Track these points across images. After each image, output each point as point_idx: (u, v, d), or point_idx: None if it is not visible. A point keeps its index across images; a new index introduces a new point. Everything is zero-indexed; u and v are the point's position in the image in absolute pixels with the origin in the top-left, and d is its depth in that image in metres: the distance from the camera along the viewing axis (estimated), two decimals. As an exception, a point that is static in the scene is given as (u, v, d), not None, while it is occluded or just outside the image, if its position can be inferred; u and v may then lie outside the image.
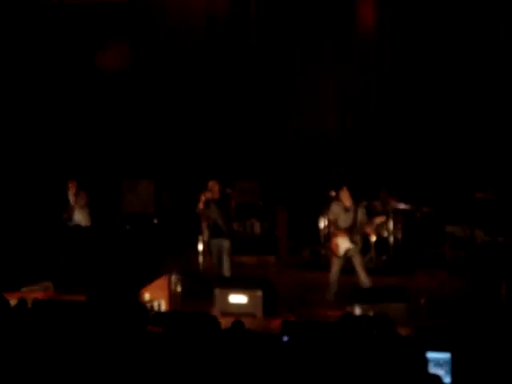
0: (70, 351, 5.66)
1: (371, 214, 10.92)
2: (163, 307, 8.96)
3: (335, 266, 9.74)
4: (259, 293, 8.88)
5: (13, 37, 12.74)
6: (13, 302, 6.94)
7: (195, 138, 14.78)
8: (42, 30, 12.94)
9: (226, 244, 10.02)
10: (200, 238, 10.05)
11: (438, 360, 5.66)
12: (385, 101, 13.76)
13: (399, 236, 12.15)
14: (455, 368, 5.68)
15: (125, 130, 14.45)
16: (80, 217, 11.79)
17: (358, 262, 9.59)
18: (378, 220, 9.75)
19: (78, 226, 11.78)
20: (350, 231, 9.57)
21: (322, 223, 12.52)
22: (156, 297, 8.90)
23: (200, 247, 10.05)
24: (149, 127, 14.56)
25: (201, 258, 10.07)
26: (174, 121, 14.69)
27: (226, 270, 9.96)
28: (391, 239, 11.99)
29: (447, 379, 5.57)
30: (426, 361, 4.81)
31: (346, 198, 9.67)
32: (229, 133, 14.72)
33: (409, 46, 13.08)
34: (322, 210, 12.63)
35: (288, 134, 14.61)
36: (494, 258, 9.71)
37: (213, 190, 10.03)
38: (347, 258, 9.68)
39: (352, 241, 9.60)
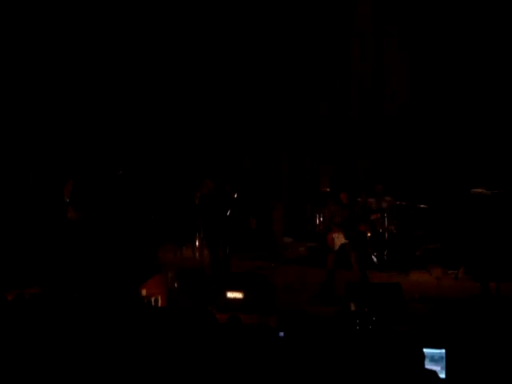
0: (67, 345, 5.69)
1: (367, 210, 10.98)
2: (160, 303, 8.99)
3: (331, 262, 9.78)
4: (255, 289, 8.92)
5: (9, 29, 12.70)
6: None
7: (193, 134, 14.80)
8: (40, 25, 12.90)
9: (221, 240, 10.06)
10: (197, 234, 10.09)
11: (432, 356, 5.70)
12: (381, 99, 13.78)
13: (394, 232, 12.19)
14: (450, 364, 5.72)
15: (120, 125, 14.43)
16: (73, 213, 11.71)
17: (353, 257, 9.63)
18: (374, 216, 9.79)
19: (71, 223, 11.71)
20: (346, 227, 9.62)
21: (318, 219, 12.57)
22: (153, 293, 8.93)
23: (196, 243, 10.09)
24: (144, 123, 14.56)
25: (197, 254, 10.10)
26: (170, 117, 14.69)
27: (222, 266, 10.00)
28: (386, 235, 12.03)
29: (442, 375, 5.61)
30: (422, 356, 4.82)
31: (342, 194, 9.73)
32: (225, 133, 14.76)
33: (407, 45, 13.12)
34: (318, 205, 12.69)
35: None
36: (489, 255, 9.75)
37: (208, 186, 10.07)
38: (343, 253, 9.72)
39: (348, 236, 9.65)
